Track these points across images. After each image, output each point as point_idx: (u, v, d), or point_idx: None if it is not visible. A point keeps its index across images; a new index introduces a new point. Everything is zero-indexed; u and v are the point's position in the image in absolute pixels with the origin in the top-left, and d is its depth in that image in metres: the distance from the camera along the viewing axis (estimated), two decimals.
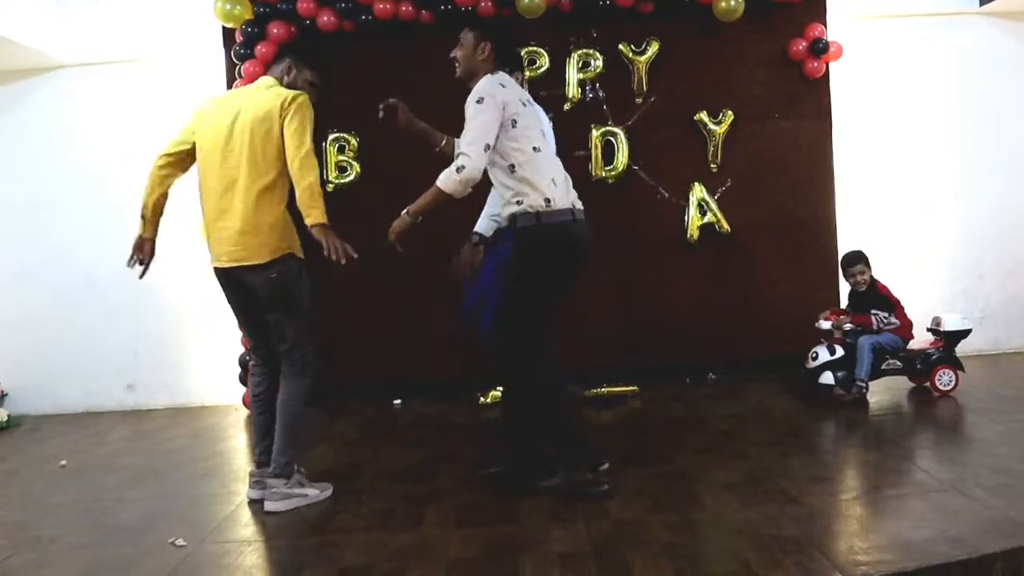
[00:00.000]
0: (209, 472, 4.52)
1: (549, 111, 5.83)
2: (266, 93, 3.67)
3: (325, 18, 5.71)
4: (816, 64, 5.98)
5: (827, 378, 5.12)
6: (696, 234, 6.03)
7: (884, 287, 5.30)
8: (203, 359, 6.23)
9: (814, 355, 5.21)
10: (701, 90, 6.03)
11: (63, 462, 4.83)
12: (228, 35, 5.89)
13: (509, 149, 3.55)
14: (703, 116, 5.97)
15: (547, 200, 3.57)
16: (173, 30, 6.03)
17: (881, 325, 5.15)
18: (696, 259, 6.08)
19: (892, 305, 5.23)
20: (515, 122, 3.54)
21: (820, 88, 6.08)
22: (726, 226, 6.02)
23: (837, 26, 6.06)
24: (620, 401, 5.50)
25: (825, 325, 5.28)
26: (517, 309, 3.64)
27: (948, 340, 5.24)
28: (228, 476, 4.41)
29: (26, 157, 6.31)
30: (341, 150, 5.88)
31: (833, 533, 3.09)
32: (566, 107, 5.97)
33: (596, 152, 5.96)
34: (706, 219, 6.02)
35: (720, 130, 5.97)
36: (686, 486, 3.69)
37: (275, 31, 5.68)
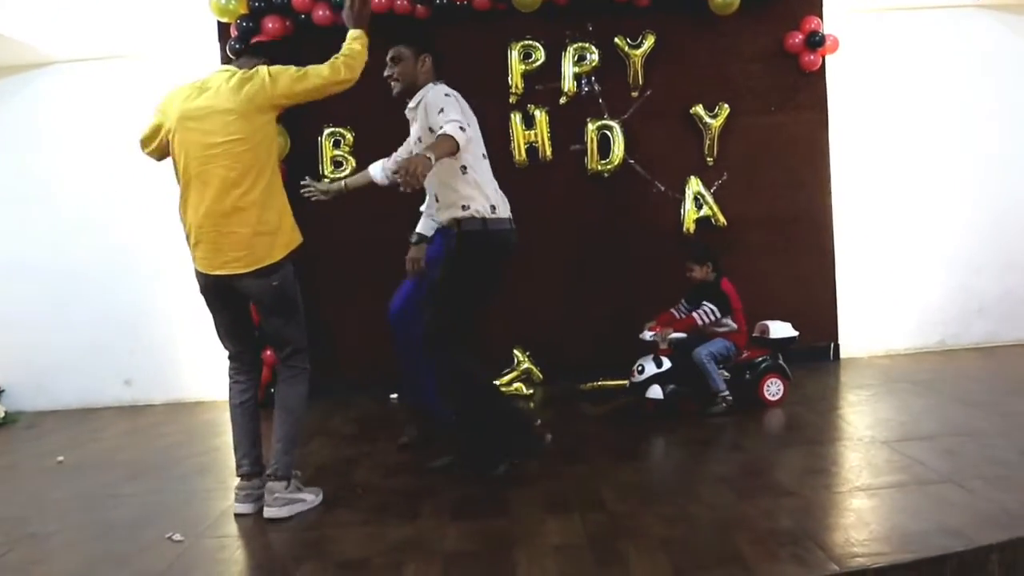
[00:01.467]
0: (206, 467, 4.52)
1: (545, 105, 5.90)
2: (235, 81, 3.48)
3: (320, 12, 5.70)
4: (812, 57, 5.97)
5: (655, 392, 4.82)
6: (692, 227, 6.02)
7: (730, 287, 5.05)
8: (200, 355, 6.21)
9: (639, 368, 4.91)
10: (697, 83, 6.02)
11: (60, 458, 4.83)
12: (223, 29, 5.87)
13: (464, 152, 3.61)
14: (699, 109, 5.97)
15: (492, 207, 3.72)
16: (167, 25, 6.00)
17: (706, 320, 4.90)
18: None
19: (732, 309, 5.00)
20: (467, 127, 3.60)
21: (816, 81, 6.08)
22: (722, 219, 6.02)
23: (833, 19, 6.05)
24: (616, 394, 5.49)
25: (648, 336, 4.97)
26: (449, 306, 3.74)
27: (775, 348, 5.03)
28: (225, 471, 4.40)
29: (20, 152, 6.29)
30: (336, 145, 5.87)
31: (829, 525, 3.09)
32: (562, 100, 5.97)
33: (592, 146, 5.96)
34: (702, 212, 6.02)
35: (716, 123, 5.97)
36: (682, 479, 3.69)
37: (270, 25, 5.67)
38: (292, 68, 3.49)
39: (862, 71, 6.21)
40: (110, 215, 6.24)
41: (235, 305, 3.62)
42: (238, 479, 3.67)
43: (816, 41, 5.91)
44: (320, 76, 3.48)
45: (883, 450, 3.90)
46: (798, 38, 5.96)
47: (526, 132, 5.91)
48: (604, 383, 5.59)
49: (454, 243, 3.78)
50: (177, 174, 3.55)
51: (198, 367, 6.23)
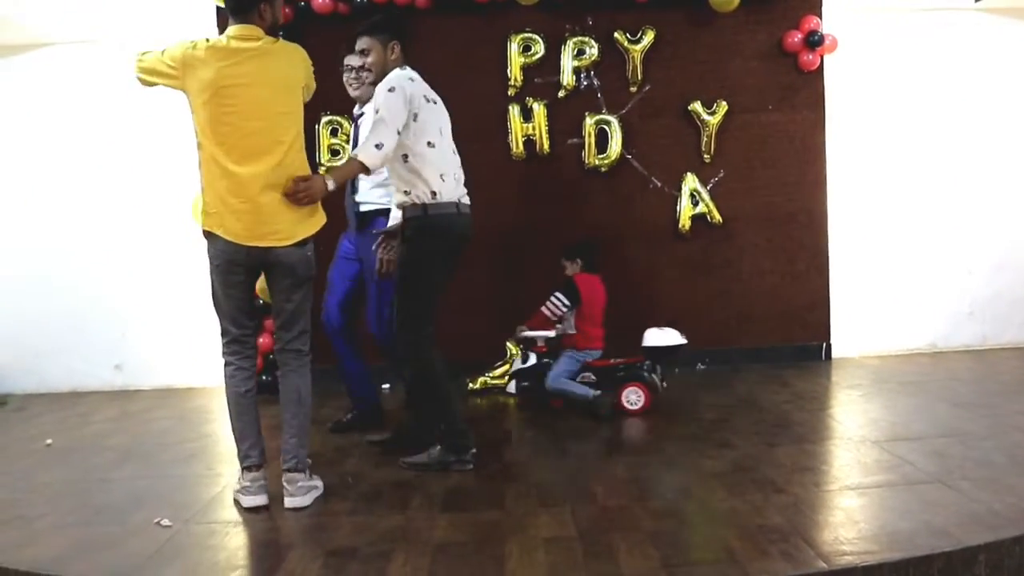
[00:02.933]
0: (196, 454, 4.51)
1: (544, 98, 5.89)
2: (282, 45, 3.47)
3: (320, 0, 5.68)
4: (811, 56, 5.98)
5: (511, 387, 5.18)
6: (688, 224, 6.03)
7: (588, 284, 5.01)
8: (191, 340, 6.19)
9: (509, 358, 5.28)
10: (695, 80, 6.03)
11: (48, 441, 4.81)
12: (222, 15, 5.84)
13: (406, 140, 3.74)
14: (697, 106, 5.97)
15: (433, 193, 3.79)
16: (167, 9, 5.98)
17: (553, 310, 4.92)
18: (687, 249, 6.09)
19: (578, 300, 4.95)
20: (416, 116, 3.76)
21: (814, 80, 6.08)
22: (718, 217, 6.02)
23: (833, 18, 6.06)
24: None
25: (524, 334, 5.10)
26: (402, 293, 3.84)
27: (649, 356, 4.96)
28: (214, 457, 4.41)
29: (15, 135, 6.25)
30: (334, 133, 5.85)
31: (818, 523, 3.10)
32: (560, 94, 5.96)
33: (590, 140, 5.96)
34: (698, 209, 6.03)
35: (714, 120, 5.97)
36: (672, 474, 3.71)
37: None
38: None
39: (860, 71, 6.21)
40: (102, 199, 6.21)
41: (252, 282, 3.53)
42: (246, 471, 3.52)
43: (815, 40, 5.92)
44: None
45: (873, 450, 3.92)
46: (797, 37, 5.96)
47: (524, 125, 5.91)
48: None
49: (402, 231, 3.90)
50: (205, 138, 3.36)
51: (189, 353, 6.21)
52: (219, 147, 3.33)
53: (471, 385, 5.57)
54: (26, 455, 4.62)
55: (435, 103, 3.92)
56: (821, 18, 6.00)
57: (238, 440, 3.54)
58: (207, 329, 6.00)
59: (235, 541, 3.22)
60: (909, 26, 6.27)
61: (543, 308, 4.96)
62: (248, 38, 3.38)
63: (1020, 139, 6.38)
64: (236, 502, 3.57)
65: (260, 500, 3.50)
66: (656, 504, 3.32)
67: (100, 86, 6.11)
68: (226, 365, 3.56)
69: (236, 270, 3.42)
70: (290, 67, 3.47)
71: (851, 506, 3.22)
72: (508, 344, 5.66)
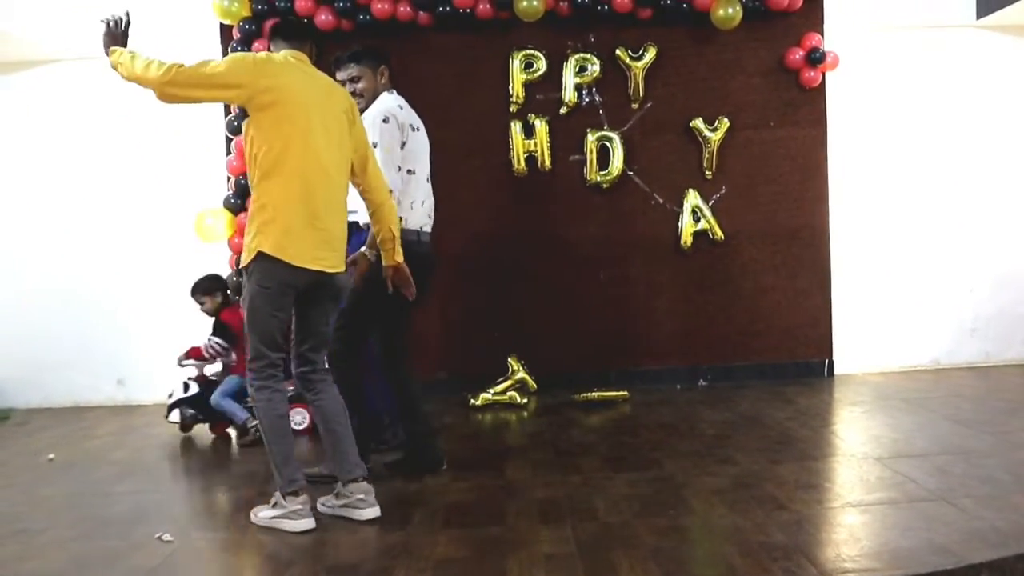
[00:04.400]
0: (198, 469, 4.51)
1: (546, 114, 5.92)
2: (346, 96, 3.60)
3: (323, 17, 5.72)
4: (813, 73, 6.00)
5: (174, 415, 5.19)
6: (690, 241, 6.04)
7: (231, 318, 5.18)
8: None
9: (171, 392, 5.26)
10: (697, 97, 6.05)
11: (51, 455, 4.81)
12: (225, 32, 5.89)
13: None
14: (699, 123, 5.99)
15: (400, 219, 3.79)
16: (170, 26, 6.02)
17: (212, 352, 5.16)
18: (689, 266, 6.09)
19: (235, 337, 5.10)
20: (404, 144, 3.90)
21: (816, 97, 6.11)
22: (720, 233, 6.03)
23: (834, 36, 6.09)
24: (610, 405, 5.50)
25: (183, 364, 5.29)
26: (353, 311, 3.90)
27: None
28: (215, 473, 4.40)
29: (20, 150, 6.28)
30: None
31: (821, 540, 3.09)
32: (562, 111, 5.99)
33: (591, 156, 5.97)
34: (700, 226, 6.04)
35: (715, 137, 5.99)
36: (674, 491, 3.69)
37: None
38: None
39: (861, 88, 6.23)
40: (104, 214, 6.24)
41: (321, 303, 3.52)
42: (292, 496, 3.38)
43: (816, 58, 5.94)
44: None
45: (875, 467, 3.91)
46: (799, 54, 5.99)
47: (526, 141, 5.93)
48: (599, 394, 5.59)
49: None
50: (284, 161, 3.28)
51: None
52: (301, 170, 3.30)
53: (473, 402, 5.56)
54: (28, 469, 4.62)
55: (419, 131, 4.04)
56: (823, 35, 6.02)
57: (281, 464, 3.39)
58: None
59: (236, 557, 3.21)
60: (910, 43, 6.29)
61: (201, 348, 5.20)
62: (307, 63, 3.49)
63: (1021, 156, 6.39)
64: (272, 528, 3.41)
65: (310, 524, 3.38)
66: (658, 521, 3.31)
67: (109, 102, 6.15)
68: (260, 390, 3.39)
69: (288, 292, 3.35)
70: (342, 99, 3.54)
71: (853, 523, 3.21)
72: (510, 360, 5.67)
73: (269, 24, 3.82)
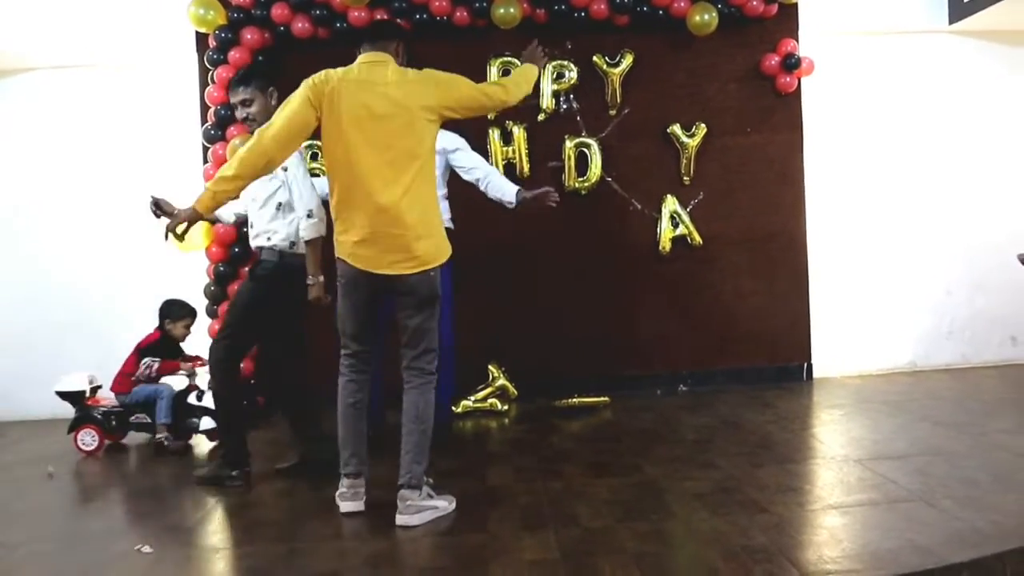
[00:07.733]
0: (176, 480, 4.46)
1: (523, 121, 5.91)
2: (404, 77, 3.54)
3: (300, 25, 5.70)
4: (788, 79, 6.04)
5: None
6: (668, 246, 6.06)
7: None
8: None
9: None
10: (674, 103, 6.08)
11: (50, 469, 4.72)
12: (201, 40, 5.86)
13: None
14: (676, 129, 6.01)
15: (292, 243, 4.10)
16: (146, 34, 5.98)
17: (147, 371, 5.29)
18: (668, 271, 6.11)
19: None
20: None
21: (792, 103, 6.15)
22: (698, 238, 6.05)
23: (809, 42, 6.13)
24: (591, 411, 5.50)
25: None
26: (233, 327, 4.15)
27: (66, 400, 5.31)
28: (195, 484, 4.36)
29: None
30: (315, 157, 5.84)
31: (802, 543, 3.10)
32: (540, 118, 5.99)
33: (570, 163, 5.98)
34: (678, 231, 6.06)
35: (693, 143, 6.01)
36: (656, 496, 3.69)
37: (248, 37, 5.66)
38: (462, 78, 3.61)
39: (837, 93, 6.29)
40: (83, 225, 6.19)
41: (375, 303, 3.60)
42: (345, 477, 3.62)
43: (792, 63, 5.98)
44: (488, 95, 3.65)
45: (855, 469, 3.93)
46: (774, 60, 6.03)
47: (504, 148, 5.93)
48: (580, 400, 5.59)
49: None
50: (344, 168, 3.44)
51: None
52: (356, 177, 3.42)
53: (454, 409, 5.54)
54: (5, 483, 4.56)
55: None
56: (798, 41, 6.06)
57: (341, 447, 3.64)
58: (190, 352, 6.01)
59: (217, 567, 3.18)
60: (884, 49, 6.36)
61: (164, 362, 5.35)
62: (378, 62, 3.57)
63: (996, 160, 6.47)
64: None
65: (354, 506, 3.61)
66: (640, 526, 3.30)
67: (87, 111, 6.12)
68: (340, 375, 3.66)
69: (360, 292, 3.54)
70: (415, 95, 3.49)
71: (834, 525, 3.22)
72: (490, 367, 5.66)
73: None
